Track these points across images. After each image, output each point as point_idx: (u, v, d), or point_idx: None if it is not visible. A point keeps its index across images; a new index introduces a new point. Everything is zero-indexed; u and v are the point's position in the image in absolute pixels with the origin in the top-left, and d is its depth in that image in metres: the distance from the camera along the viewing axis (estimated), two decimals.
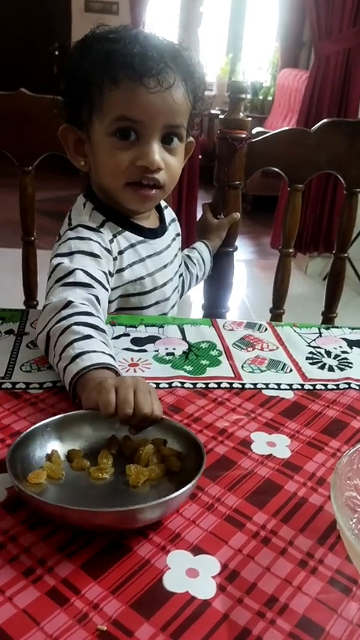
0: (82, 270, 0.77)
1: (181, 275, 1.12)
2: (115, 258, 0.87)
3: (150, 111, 0.78)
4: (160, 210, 0.99)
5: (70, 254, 0.80)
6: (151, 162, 0.80)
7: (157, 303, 0.95)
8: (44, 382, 0.70)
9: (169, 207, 1.06)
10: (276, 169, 1.17)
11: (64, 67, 0.84)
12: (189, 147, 0.90)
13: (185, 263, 1.13)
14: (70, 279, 0.76)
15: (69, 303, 0.72)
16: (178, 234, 1.05)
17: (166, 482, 0.55)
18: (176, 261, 1.01)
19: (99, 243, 0.83)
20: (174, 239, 1.02)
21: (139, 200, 0.85)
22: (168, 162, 0.83)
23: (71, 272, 0.77)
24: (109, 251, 0.85)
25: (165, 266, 0.95)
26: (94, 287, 0.77)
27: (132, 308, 0.93)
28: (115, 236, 0.88)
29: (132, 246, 0.90)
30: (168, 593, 0.45)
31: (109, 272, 0.85)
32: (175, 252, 1.01)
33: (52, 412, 0.65)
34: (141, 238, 0.91)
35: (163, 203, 1.01)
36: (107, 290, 0.81)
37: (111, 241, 0.86)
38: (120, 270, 0.88)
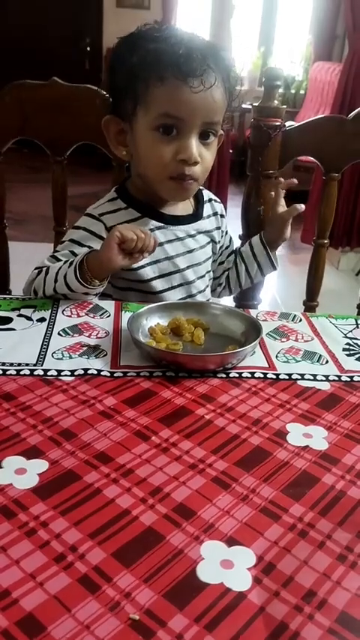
0: (67, 252, 0.92)
1: (226, 271, 1.11)
2: None
3: (191, 109, 0.83)
4: (197, 198, 1.01)
5: (62, 242, 0.95)
6: (189, 156, 0.85)
7: (180, 285, 0.99)
8: (75, 370, 0.69)
9: (205, 190, 1.06)
10: (311, 158, 1.14)
11: (110, 61, 0.90)
12: (219, 139, 0.94)
13: (235, 259, 1.12)
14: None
15: (39, 268, 0.90)
16: (215, 214, 1.06)
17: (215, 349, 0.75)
18: (209, 248, 1.03)
19: (92, 231, 0.93)
20: (209, 216, 1.03)
21: (180, 191, 0.90)
22: (203, 157, 0.88)
23: (52, 256, 0.93)
24: (101, 238, 0.90)
25: (190, 251, 0.99)
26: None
27: (159, 292, 0.97)
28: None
29: (150, 231, 0.93)
30: (202, 583, 0.43)
31: None
32: (208, 241, 1.02)
33: (84, 399, 0.64)
34: (161, 224, 0.96)
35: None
36: None
37: (112, 228, 0.89)
38: None
